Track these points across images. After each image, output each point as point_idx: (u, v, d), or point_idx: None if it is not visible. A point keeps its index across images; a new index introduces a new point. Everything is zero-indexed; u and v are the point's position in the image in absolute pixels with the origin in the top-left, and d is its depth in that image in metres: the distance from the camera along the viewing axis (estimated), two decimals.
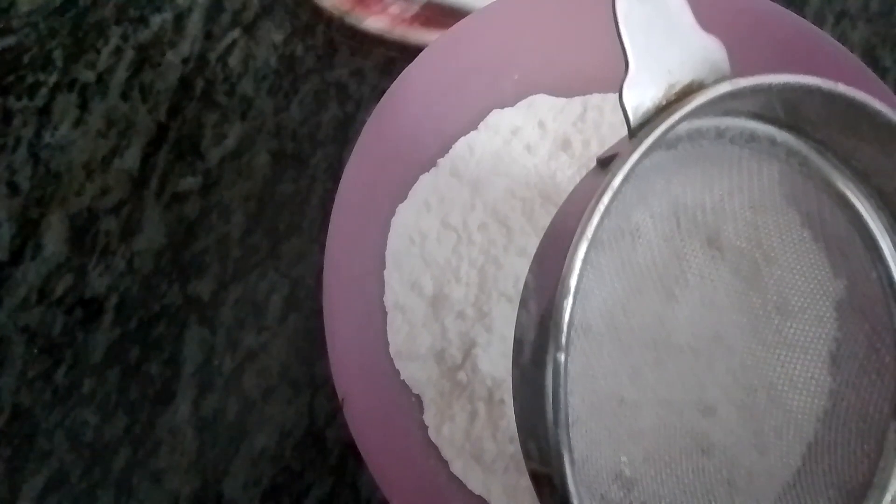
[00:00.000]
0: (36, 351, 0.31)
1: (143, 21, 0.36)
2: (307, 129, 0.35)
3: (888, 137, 0.21)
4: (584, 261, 0.17)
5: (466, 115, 0.31)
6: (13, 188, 0.34)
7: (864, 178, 0.23)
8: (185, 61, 0.36)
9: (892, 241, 0.24)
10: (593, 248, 0.20)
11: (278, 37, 0.36)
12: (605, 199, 0.17)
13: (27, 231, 0.33)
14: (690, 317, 0.24)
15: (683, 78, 0.19)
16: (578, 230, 0.17)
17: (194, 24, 0.37)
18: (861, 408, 0.24)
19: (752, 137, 0.23)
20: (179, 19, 0.37)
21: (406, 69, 0.28)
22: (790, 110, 0.22)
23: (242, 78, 0.36)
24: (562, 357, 0.17)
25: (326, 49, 0.36)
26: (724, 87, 0.18)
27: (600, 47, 0.28)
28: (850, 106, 0.20)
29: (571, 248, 0.17)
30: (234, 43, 0.36)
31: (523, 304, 0.19)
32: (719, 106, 0.21)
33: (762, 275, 0.25)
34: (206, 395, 0.31)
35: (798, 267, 0.25)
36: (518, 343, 0.19)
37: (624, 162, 0.18)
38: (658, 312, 0.24)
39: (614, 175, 0.18)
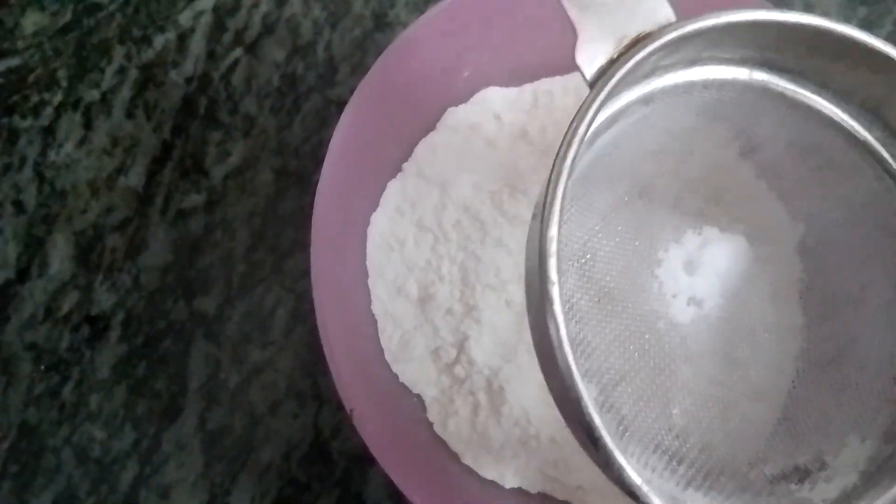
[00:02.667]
0: (43, 368, 0.32)
1: (146, 41, 0.37)
2: (309, 147, 0.35)
3: (841, 51, 0.22)
4: (566, 193, 0.18)
5: (424, 118, 0.32)
6: (19, 207, 0.34)
7: (847, 98, 0.24)
8: (188, 80, 0.36)
9: (870, 135, 0.25)
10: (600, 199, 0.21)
11: (280, 55, 0.37)
12: (572, 149, 0.19)
13: (33, 249, 0.33)
14: (668, 276, 0.26)
15: (630, 32, 0.20)
16: (554, 173, 0.19)
17: (197, 43, 0.37)
18: (831, 342, 0.25)
19: (723, 83, 0.24)
20: (182, 39, 0.37)
21: (361, 82, 0.29)
22: (754, 48, 0.23)
23: (245, 96, 0.36)
24: (555, 290, 0.18)
25: (327, 67, 0.37)
26: (672, 31, 0.20)
27: (543, 34, 0.29)
28: (800, 30, 0.21)
29: (553, 179, 0.18)
30: (236, 62, 0.37)
31: (526, 259, 0.20)
32: (675, 53, 0.22)
33: (727, 228, 0.26)
34: (213, 410, 0.31)
35: (759, 214, 0.26)
36: (528, 296, 0.20)
37: (587, 107, 0.19)
38: (651, 295, 0.25)
39: (580, 119, 0.19)
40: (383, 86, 0.29)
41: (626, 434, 0.22)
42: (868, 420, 0.23)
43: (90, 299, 0.33)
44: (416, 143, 0.31)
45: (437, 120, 0.31)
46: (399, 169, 0.31)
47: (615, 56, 0.20)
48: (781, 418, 0.25)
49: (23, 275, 0.33)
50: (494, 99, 0.32)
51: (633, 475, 0.18)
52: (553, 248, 0.18)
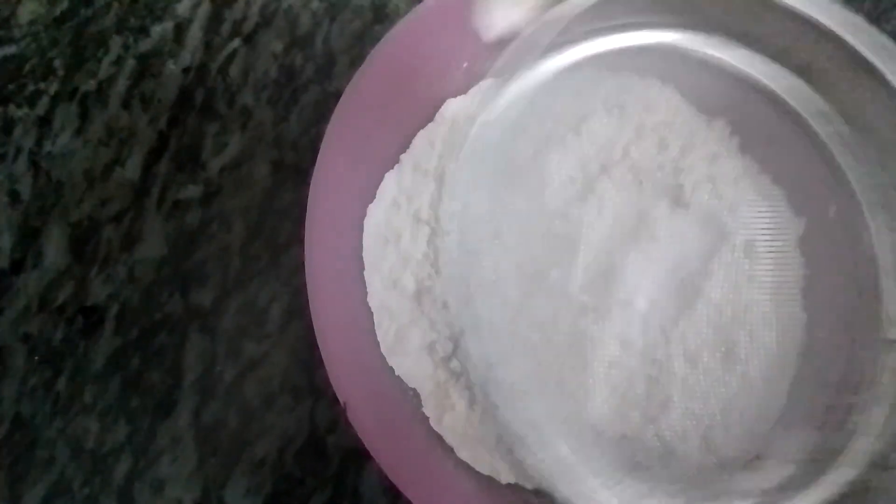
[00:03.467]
0: (37, 360, 0.31)
1: (143, 31, 0.37)
2: (307, 140, 0.35)
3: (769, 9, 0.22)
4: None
5: (422, 109, 0.31)
6: (14, 197, 0.34)
7: (783, 58, 0.24)
8: (185, 71, 0.36)
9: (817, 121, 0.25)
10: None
11: (278, 47, 0.37)
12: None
13: (28, 240, 0.33)
14: (664, 273, 0.25)
15: None
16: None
17: (194, 34, 0.37)
18: (834, 338, 0.25)
19: (653, 48, 0.24)
20: (180, 29, 0.37)
21: (357, 72, 0.29)
22: (685, 12, 0.23)
23: (243, 88, 0.36)
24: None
25: (326, 59, 0.37)
26: None
27: None
28: None
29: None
30: (234, 53, 0.36)
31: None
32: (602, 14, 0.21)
33: (727, 223, 0.26)
34: (208, 404, 0.31)
35: (760, 211, 0.26)
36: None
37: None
38: (630, 272, 0.25)
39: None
40: (380, 76, 0.29)
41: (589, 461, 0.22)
42: (777, 409, 0.23)
43: (85, 291, 0.32)
44: (413, 135, 0.31)
45: (436, 111, 0.31)
46: (396, 160, 0.30)
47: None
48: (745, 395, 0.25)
49: (17, 266, 0.33)
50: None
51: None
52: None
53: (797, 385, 0.24)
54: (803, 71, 0.24)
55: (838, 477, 0.22)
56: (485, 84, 0.32)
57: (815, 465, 0.22)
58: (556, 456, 0.19)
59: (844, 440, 0.22)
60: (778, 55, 0.24)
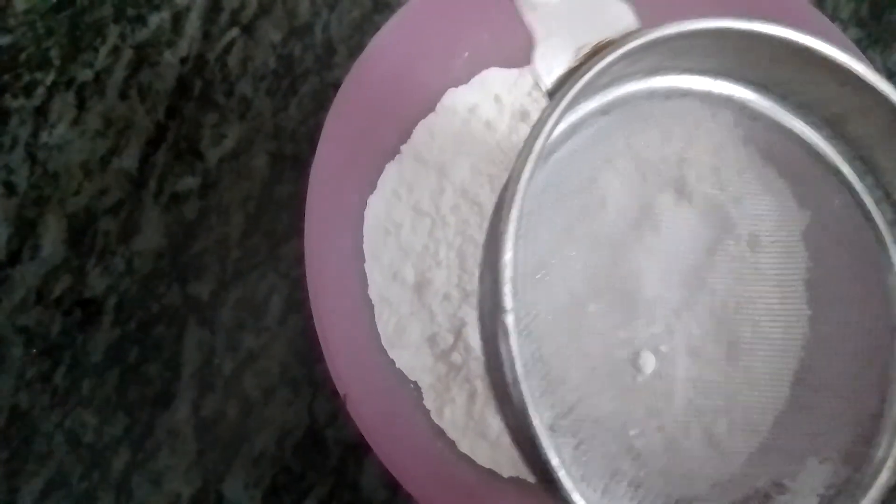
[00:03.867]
0: (34, 352, 0.31)
1: (141, 20, 0.36)
2: (306, 130, 0.35)
3: (809, 62, 0.21)
4: (521, 211, 0.18)
5: (423, 99, 0.31)
6: (10, 188, 0.33)
7: (809, 110, 0.24)
8: (183, 61, 0.36)
9: (850, 167, 0.25)
10: (559, 212, 0.21)
11: (277, 37, 0.36)
12: (528, 167, 0.18)
13: (25, 231, 0.33)
14: (667, 265, 0.25)
15: (592, 39, 0.19)
16: (508, 193, 0.18)
17: (192, 23, 0.36)
18: (839, 332, 0.24)
19: (685, 92, 0.24)
20: (177, 19, 0.36)
21: (356, 61, 0.28)
22: (719, 58, 0.23)
23: (241, 78, 0.35)
24: (509, 318, 0.17)
25: (325, 49, 0.36)
26: (635, 39, 0.19)
27: None
28: (766, 41, 0.21)
29: (506, 204, 0.18)
30: (232, 42, 0.36)
31: (480, 278, 0.19)
32: (637, 62, 0.21)
33: (731, 215, 0.26)
34: (206, 396, 0.31)
35: (764, 202, 0.26)
36: (480, 319, 0.19)
37: (544, 121, 0.18)
38: (633, 264, 0.25)
39: (534, 136, 0.18)
40: (380, 66, 0.29)
41: (584, 458, 0.21)
42: (826, 441, 0.23)
43: (82, 283, 0.32)
44: (414, 125, 0.30)
45: (437, 101, 0.31)
46: (397, 151, 0.30)
47: (575, 65, 0.19)
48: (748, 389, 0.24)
49: (14, 257, 0.32)
50: (495, 80, 0.31)
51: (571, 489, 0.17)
52: (507, 274, 0.17)
53: (790, 423, 0.24)
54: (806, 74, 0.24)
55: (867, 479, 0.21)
56: (487, 74, 0.31)
57: (836, 499, 0.22)
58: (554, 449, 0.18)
59: (863, 475, 0.22)
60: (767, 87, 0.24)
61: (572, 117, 0.22)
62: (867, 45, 0.38)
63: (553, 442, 0.17)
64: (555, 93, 0.19)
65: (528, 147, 0.18)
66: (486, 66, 0.31)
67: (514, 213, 0.18)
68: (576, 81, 0.18)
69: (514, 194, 0.18)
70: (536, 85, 0.31)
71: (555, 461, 0.17)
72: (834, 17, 0.39)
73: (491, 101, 0.31)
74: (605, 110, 0.23)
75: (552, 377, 0.22)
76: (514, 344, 0.17)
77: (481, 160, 0.29)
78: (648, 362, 0.25)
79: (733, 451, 0.24)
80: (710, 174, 0.27)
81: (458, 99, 0.31)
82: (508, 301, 0.17)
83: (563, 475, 0.17)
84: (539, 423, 0.17)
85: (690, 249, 0.26)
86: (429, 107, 0.31)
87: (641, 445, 0.23)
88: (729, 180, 0.27)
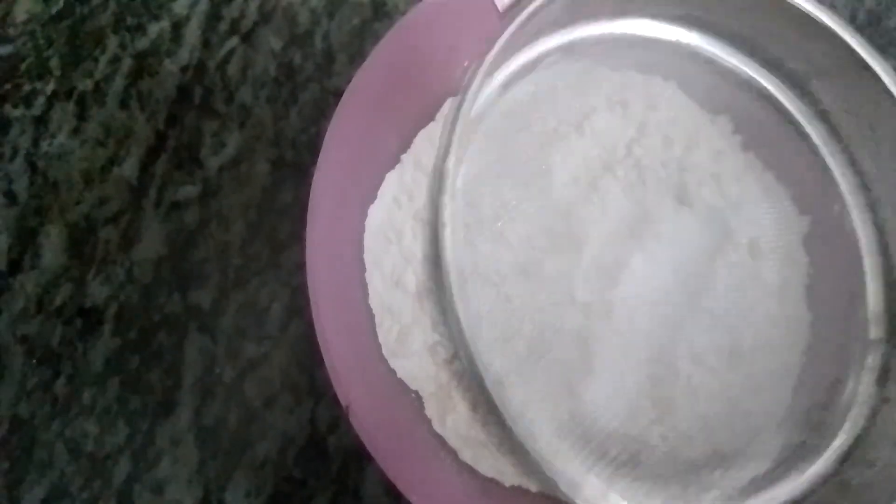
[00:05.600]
0: (35, 361, 0.31)
1: (140, 29, 0.36)
2: (306, 138, 0.35)
3: (777, 12, 0.21)
4: (466, 120, 0.18)
5: (423, 108, 0.31)
6: (11, 197, 0.33)
7: (775, 67, 0.24)
8: (183, 69, 0.36)
9: (814, 128, 0.25)
10: (519, 163, 0.20)
11: (277, 44, 0.36)
12: (478, 78, 0.18)
13: (25, 241, 0.33)
14: (669, 272, 0.25)
15: None
16: (456, 103, 0.18)
17: (192, 32, 0.36)
18: (839, 336, 0.24)
19: (652, 41, 0.24)
20: (177, 27, 0.36)
21: (358, 70, 0.28)
22: (687, 4, 0.23)
23: (241, 86, 0.35)
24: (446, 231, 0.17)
25: (325, 57, 0.36)
26: None
27: None
28: None
29: (454, 111, 0.18)
30: (232, 51, 0.36)
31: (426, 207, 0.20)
32: None
33: (731, 222, 0.26)
34: (208, 405, 0.31)
35: (764, 209, 0.26)
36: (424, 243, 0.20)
37: (496, 39, 0.18)
38: (634, 271, 0.25)
39: (486, 52, 0.18)
40: (381, 74, 0.29)
41: (530, 416, 0.21)
42: (783, 409, 0.23)
43: (83, 292, 0.32)
44: (414, 134, 0.30)
45: (437, 110, 0.31)
46: (397, 160, 0.30)
47: None
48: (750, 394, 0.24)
49: (14, 267, 0.32)
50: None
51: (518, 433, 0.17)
52: (447, 183, 0.17)
53: (801, 384, 0.24)
54: (802, 74, 0.24)
55: (811, 473, 0.21)
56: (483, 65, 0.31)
57: (791, 461, 0.22)
58: (556, 453, 0.18)
59: (821, 438, 0.22)
60: (777, 59, 0.24)
61: (532, 52, 0.21)
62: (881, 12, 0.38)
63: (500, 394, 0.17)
64: (507, 13, 0.19)
65: (477, 64, 0.17)
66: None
67: (461, 117, 0.17)
68: (530, 2, 0.18)
69: (461, 102, 0.18)
70: (538, 90, 0.31)
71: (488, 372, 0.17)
72: None
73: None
74: (567, 49, 0.22)
75: (505, 327, 0.22)
76: (450, 251, 0.17)
77: (482, 169, 0.29)
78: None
79: (734, 457, 0.24)
80: (710, 180, 0.27)
81: None
82: (447, 213, 0.17)
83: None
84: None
85: (691, 256, 0.26)
86: (429, 116, 0.31)
87: (592, 408, 0.23)
88: (728, 187, 0.27)
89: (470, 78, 0.18)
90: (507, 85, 0.21)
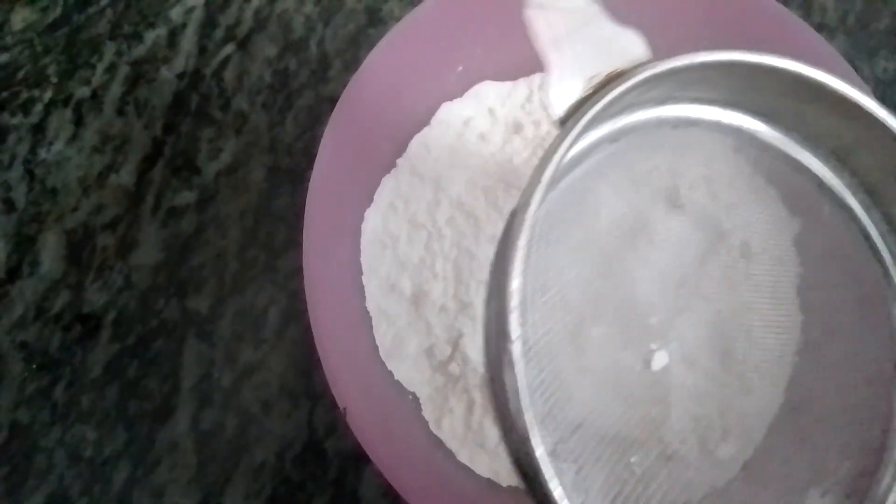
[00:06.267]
0: (34, 367, 0.31)
1: (137, 37, 0.37)
2: (302, 144, 0.35)
3: (817, 95, 0.21)
4: (530, 239, 0.18)
5: (418, 113, 0.31)
6: (8, 205, 0.34)
7: (816, 142, 0.24)
8: (179, 77, 0.36)
9: (839, 182, 0.25)
10: (560, 235, 0.21)
11: (272, 51, 0.37)
12: (537, 195, 0.18)
13: (23, 248, 0.33)
14: (662, 275, 0.25)
15: (602, 69, 0.20)
16: (517, 221, 0.18)
17: (188, 39, 0.37)
18: (842, 362, 0.25)
19: (694, 122, 0.24)
20: (173, 35, 0.37)
21: (353, 76, 0.29)
22: (727, 89, 0.23)
23: (237, 93, 0.36)
24: (516, 347, 0.17)
25: (320, 63, 0.37)
26: (646, 70, 0.19)
27: None
28: (774, 74, 0.21)
29: (514, 232, 0.18)
30: (228, 58, 0.36)
31: (486, 303, 0.20)
32: (648, 92, 0.21)
33: (723, 224, 0.26)
34: (206, 409, 0.31)
35: (755, 211, 0.26)
36: (485, 342, 0.19)
37: (553, 151, 0.18)
38: (629, 276, 0.25)
39: (543, 166, 0.18)
40: (376, 81, 0.29)
41: (584, 484, 0.21)
42: (829, 474, 0.23)
43: (81, 298, 0.32)
44: (409, 138, 0.31)
45: (431, 115, 0.31)
46: (393, 164, 0.30)
47: (586, 94, 0.19)
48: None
49: (13, 274, 0.32)
50: (488, 93, 0.32)
51: None
52: (514, 302, 0.17)
53: (791, 453, 0.24)
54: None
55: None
56: (481, 87, 0.32)
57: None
58: (548, 455, 0.18)
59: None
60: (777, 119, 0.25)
61: (581, 145, 0.22)
62: (854, 54, 0.39)
63: (555, 468, 0.17)
64: (566, 121, 0.19)
65: (537, 175, 0.18)
66: (480, 80, 0.32)
67: (522, 241, 0.17)
68: (587, 111, 0.18)
69: (522, 222, 0.18)
70: (531, 97, 0.31)
71: (557, 491, 0.17)
72: (822, 26, 0.39)
73: (485, 114, 0.31)
74: (613, 138, 0.23)
75: (556, 398, 0.22)
76: (521, 373, 0.17)
77: (476, 173, 0.30)
78: (661, 360, 0.25)
79: (729, 459, 0.24)
80: (702, 184, 0.27)
81: (452, 112, 0.31)
82: (515, 329, 0.17)
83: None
84: (542, 452, 0.17)
85: (682, 259, 0.26)
86: (424, 120, 0.31)
87: (643, 467, 0.23)
88: (720, 190, 0.27)
89: (531, 190, 0.18)
90: (557, 179, 0.21)
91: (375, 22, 0.38)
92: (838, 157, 0.24)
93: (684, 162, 0.26)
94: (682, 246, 0.26)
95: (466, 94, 0.32)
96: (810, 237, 0.26)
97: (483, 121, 0.31)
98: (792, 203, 0.27)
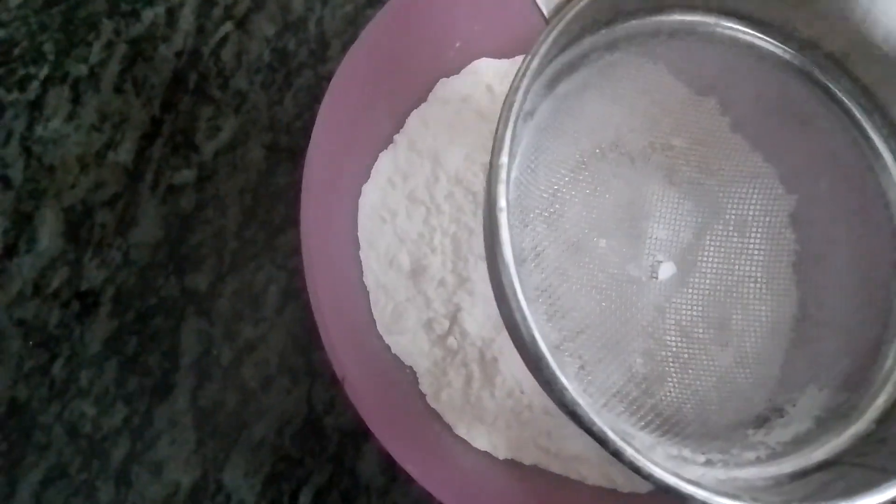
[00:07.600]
0: (32, 344, 0.31)
1: (134, 15, 0.36)
2: (301, 123, 0.35)
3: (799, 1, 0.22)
4: (518, 115, 0.19)
5: (416, 89, 0.31)
6: (6, 182, 0.33)
7: (813, 48, 0.24)
8: (178, 55, 0.36)
9: (838, 85, 0.25)
10: (571, 150, 0.21)
11: (271, 31, 0.37)
12: (526, 79, 0.19)
13: (21, 225, 0.33)
14: (658, 249, 0.26)
15: None
16: (507, 101, 0.18)
17: (186, 17, 0.37)
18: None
19: (689, 31, 0.24)
20: (171, 13, 0.37)
21: (349, 50, 0.29)
22: None
23: (236, 72, 0.36)
24: (503, 216, 0.18)
25: (319, 43, 0.36)
26: None
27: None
28: None
29: (506, 106, 0.18)
30: (226, 37, 0.36)
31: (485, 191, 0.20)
32: None
33: (719, 200, 0.26)
34: (205, 386, 0.31)
35: (751, 188, 0.27)
36: (483, 224, 0.20)
37: (543, 39, 0.19)
38: (625, 251, 0.25)
39: (535, 52, 0.19)
40: (373, 56, 0.29)
41: (588, 378, 0.22)
42: (826, 371, 0.24)
43: (80, 275, 0.32)
44: (407, 115, 0.31)
45: (429, 91, 0.31)
46: (390, 140, 0.30)
47: None
48: (740, 368, 0.25)
49: (10, 250, 0.32)
50: (486, 70, 0.32)
51: (575, 395, 0.18)
52: (502, 175, 0.18)
53: (793, 356, 0.25)
54: (797, 41, 0.24)
55: (851, 432, 0.22)
56: (479, 64, 0.32)
57: (832, 421, 0.23)
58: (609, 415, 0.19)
59: (862, 399, 0.23)
60: (771, 25, 0.25)
61: (577, 50, 0.22)
62: None
63: (557, 361, 0.17)
64: (553, 17, 0.19)
65: (526, 62, 0.18)
66: (478, 57, 0.32)
67: (510, 120, 0.18)
68: (574, 5, 0.19)
69: (511, 102, 0.18)
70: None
71: (543, 342, 0.18)
72: None
73: (483, 90, 0.31)
74: (610, 46, 0.23)
75: (561, 303, 0.22)
76: (506, 242, 0.18)
77: (474, 149, 0.30)
78: (667, 270, 0.26)
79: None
80: (698, 161, 0.28)
81: (450, 89, 0.31)
82: (502, 199, 0.18)
83: (548, 355, 0.18)
84: (535, 321, 0.17)
85: (679, 234, 0.26)
86: (421, 96, 0.31)
87: (645, 372, 0.24)
88: (717, 167, 0.27)
89: (519, 78, 0.18)
90: (553, 82, 0.21)
91: (374, 2, 0.37)
92: (835, 62, 0.24)
93: (666, 121, 0.26)
94: (679, 221, 0.26)
95: (464, 70, 0.32)
96: (812, 148, 0.26)
97: (481, 98, 0.31)
98: (789, 179, 0.27)
